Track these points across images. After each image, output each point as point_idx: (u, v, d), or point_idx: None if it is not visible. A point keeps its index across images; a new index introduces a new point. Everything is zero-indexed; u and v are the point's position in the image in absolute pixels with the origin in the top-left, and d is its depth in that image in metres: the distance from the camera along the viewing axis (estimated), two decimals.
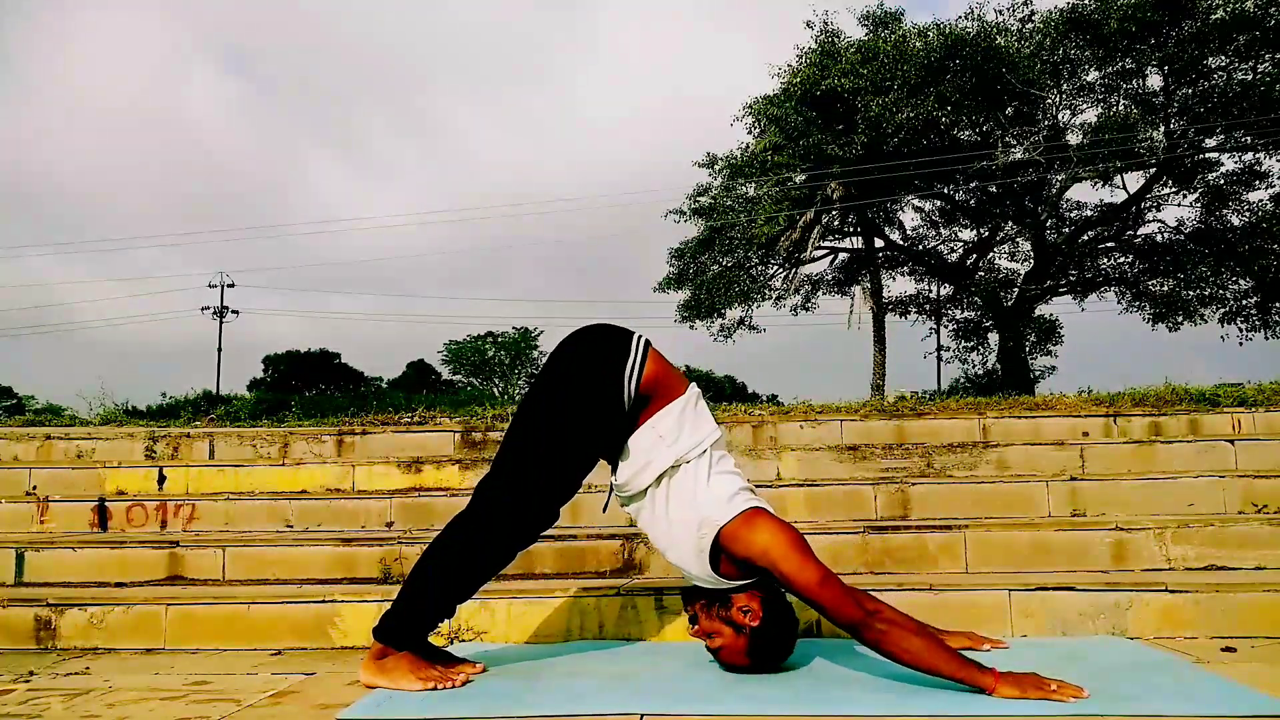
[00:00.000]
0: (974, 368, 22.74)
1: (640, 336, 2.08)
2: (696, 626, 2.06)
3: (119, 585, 3.08)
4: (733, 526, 1.93)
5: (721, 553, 1.95)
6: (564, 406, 2.02)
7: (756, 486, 3.57)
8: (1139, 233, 19.69)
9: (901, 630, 1.82)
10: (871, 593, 2.37)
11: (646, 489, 2.02)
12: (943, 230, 22.13)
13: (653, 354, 2.06)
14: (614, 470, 2.09)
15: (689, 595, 2.08)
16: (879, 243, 22.01)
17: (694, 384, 2.14)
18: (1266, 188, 18.11)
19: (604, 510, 2.27)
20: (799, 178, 19.65)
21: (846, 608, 1.84)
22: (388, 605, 2.55)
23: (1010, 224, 20.36)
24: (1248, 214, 18.26)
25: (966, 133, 18.61)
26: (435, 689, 1.95)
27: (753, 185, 20.43)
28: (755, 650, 2.00)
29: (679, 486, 2.00)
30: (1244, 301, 18.37)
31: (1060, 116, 18.43)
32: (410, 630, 2.05)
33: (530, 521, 2.06)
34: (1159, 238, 19.39)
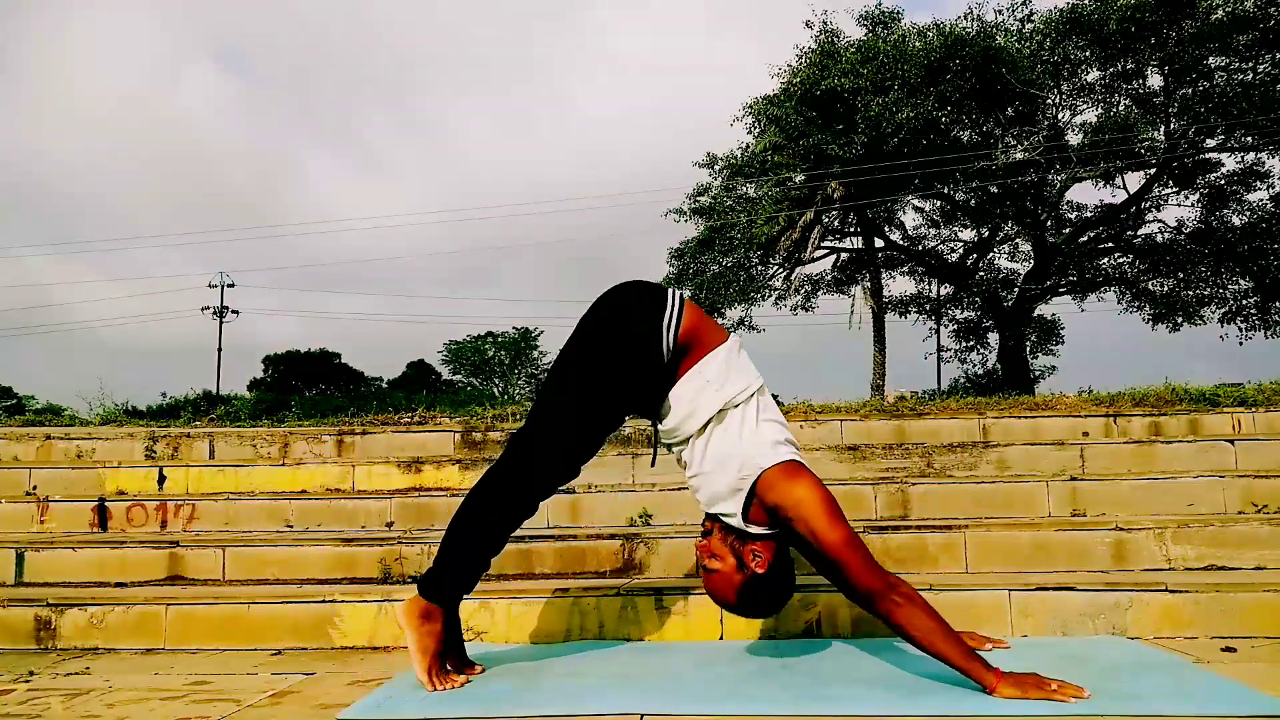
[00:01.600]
0: (974, 368, 22.75)
1: (676, 290, 2.10)
2: (705, 541, 2.06)
3: (119, 585, 3.08)
4: (773, 473, 1.94)
5: (755, 497, 1.96)
6: (602, 360, 2.03)
7: None
8: (1139, 233, 19.69)
9: (916, 608, 1.82)
10: None
11: (697, 431, 2.02)
12: (943, 230, 22.15)
13: (689, 305, 2.07)
14: (658, 420, 2.10)
15: (711, 514, 2.09)
16: (879, 243, 22.02)
17: (735, 334, 2.16)
18: (1267, 188, 18.13)
19: (652, 465, 2.32)
20: (799, 178, 19.65)
21: (867, 574, 1.84)
22: (388, 605, 2.56)
23: (1010, 224, 20.36)
24: (1248, 214, 18.26)
25: (966, 133, 18.61)
26: (435, 689, 1.95)
27: (753, 185, 20.44)
28: (746, 592, 2.00)
29: (726, 429, 2.00)
30: (1244, 301, 18.37)
31: (1060, 117, 18.43)
32: (451, 585, 2.05)
33: (553, 475, 2.08)
34: (1159, 238, 19.39)
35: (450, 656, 2.06)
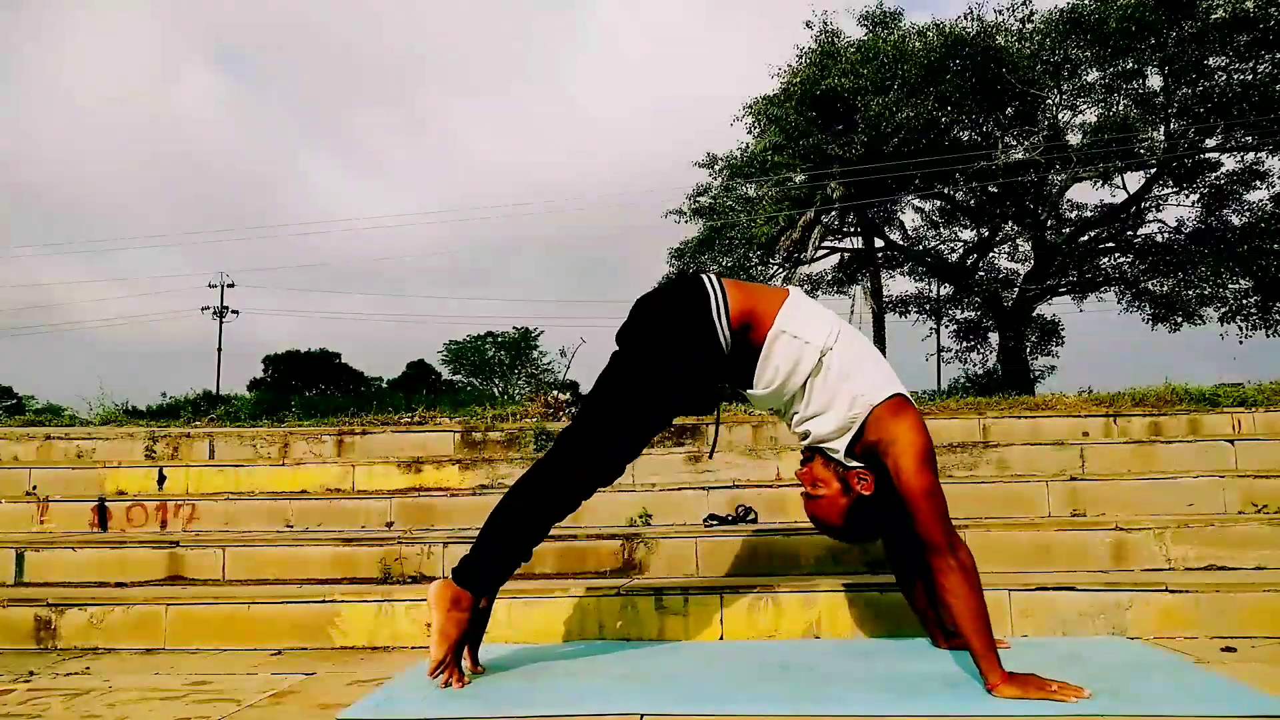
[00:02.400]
0: (974, 368, 22.71)
1: (710, 275, 2.10)
2: (805, 468, 2.08)
3: (119, 585, 3.08)
4: (881, 409, 1.96)
5: (862, 433, 1.98)
6: (660, 366, 2.04)
7: (757, 487, 3.59)
8: (1139, 233, 19.69)
9: (964, 579, 1.83)
10: (874, 592, 2.37)
11: (800, 386, 2.03)
12: (943, 230, 22.14)
13: (731, 285, 2.08)
14: (748, 387, 2.10)
15: (809, 452, 2.10)
16: (879, 243, 22.03)
17: (792, 287, 2.17)
18: (1266, 188, 18.13)
19: (710, 456, 2.32)
20: (799, 178, 19.65)
21: (936, 527, 1.86)
22: (388, 605, 2.56)
23: (1010, 224, 20.36)
24: (1248, 214, 18.26)
25: (966, 133, 18.61)
26: (437, 678, 1.97)
27: (753, 185, 20.44)
28: (853, 515, 2.03)
29: (827, 373, 2.00)
30: (1244, 301, 18.36)
31: (1060, 116, 18.42)
32: (485, 574, 2.05)
33: (601, 475, 2.10)
34: (1159, 238, 19.39)
35: (468, 649, 2.06)
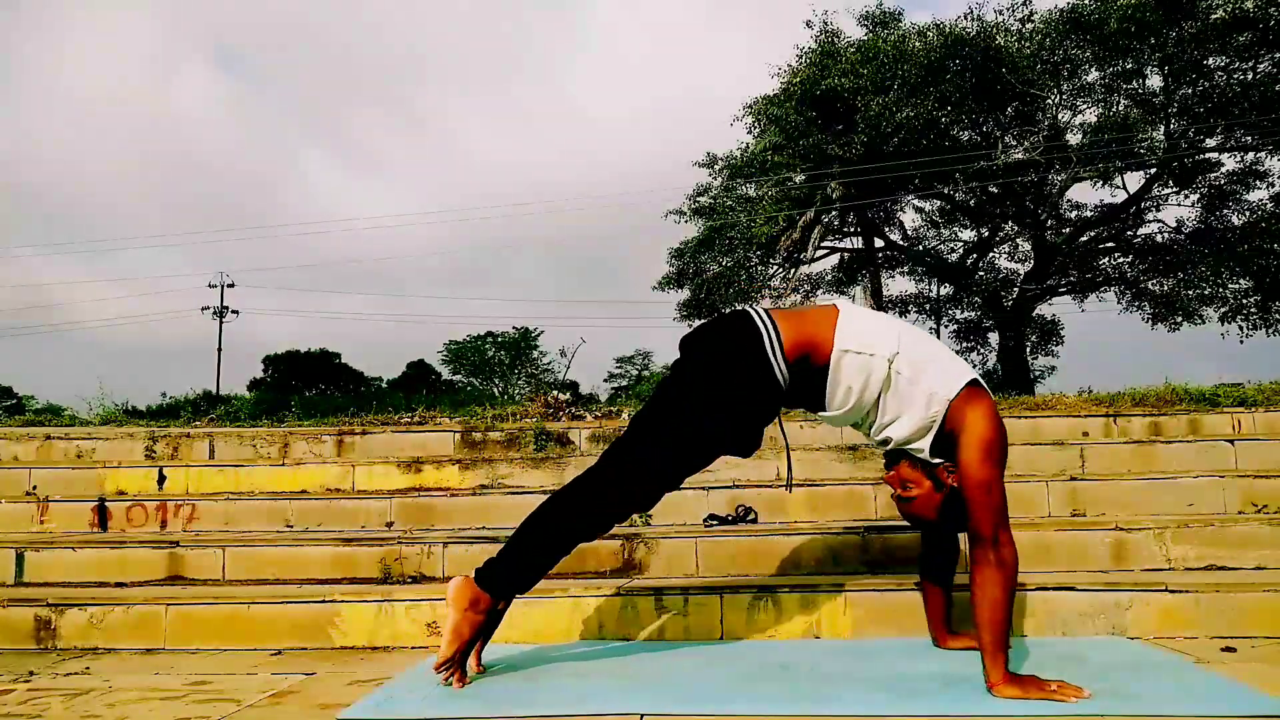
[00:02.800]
0: (974, 368, 22.71)
1: (757, 310, 2.09)
2: (893, 472, 2.08)
3: (119, 585, 3.08)
4: (958, 400, 1.96)
5: (943, 428, 1.98)
6: (719, 408, 2.02)
7: (757, 487, 3.59)
8: (1139, 233, 19.68)
9: (998, 576, 1.83)
10: (874, 592, 2.37)
11: (875, 398, 2.02)
12: (943, 230, 22.11)
13: (780, 316, 2.06)
14: (822, 409, 2.08)
15: (893, 455, 2.10)
16: (879, 243, 22.01)
17: (839, 300, 2.17)
18: (1266, 187, 18.11)
19: (789, 489, 2.40)
20: (799, 178, 19.64)
21: (986, 520, 1.86)
22: (388, 605, 2.56)
23: (1010, 224, 20.34)
24: (1248, 214, 18.25)
25: (966, 133, 18.59)
26: (442, 676, 1.97)
27: (753, 185, 20.42)
28: (948, 507, 2.03)
29: (898, 380, 1.99)
30: (1244, 301, 18.35)
31: (1060, 116, 18.41)
32: (509, 580, 2.05)
33: (639, 504, 2.10)
34: (1159, 238, 19.38)
35: (476, 652, 2.06)
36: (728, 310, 2.16)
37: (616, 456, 2.08)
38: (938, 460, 2.01)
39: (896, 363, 1.99)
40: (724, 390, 2.02)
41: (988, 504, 1.87)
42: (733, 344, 2.04)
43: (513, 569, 2.05)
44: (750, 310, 2.09)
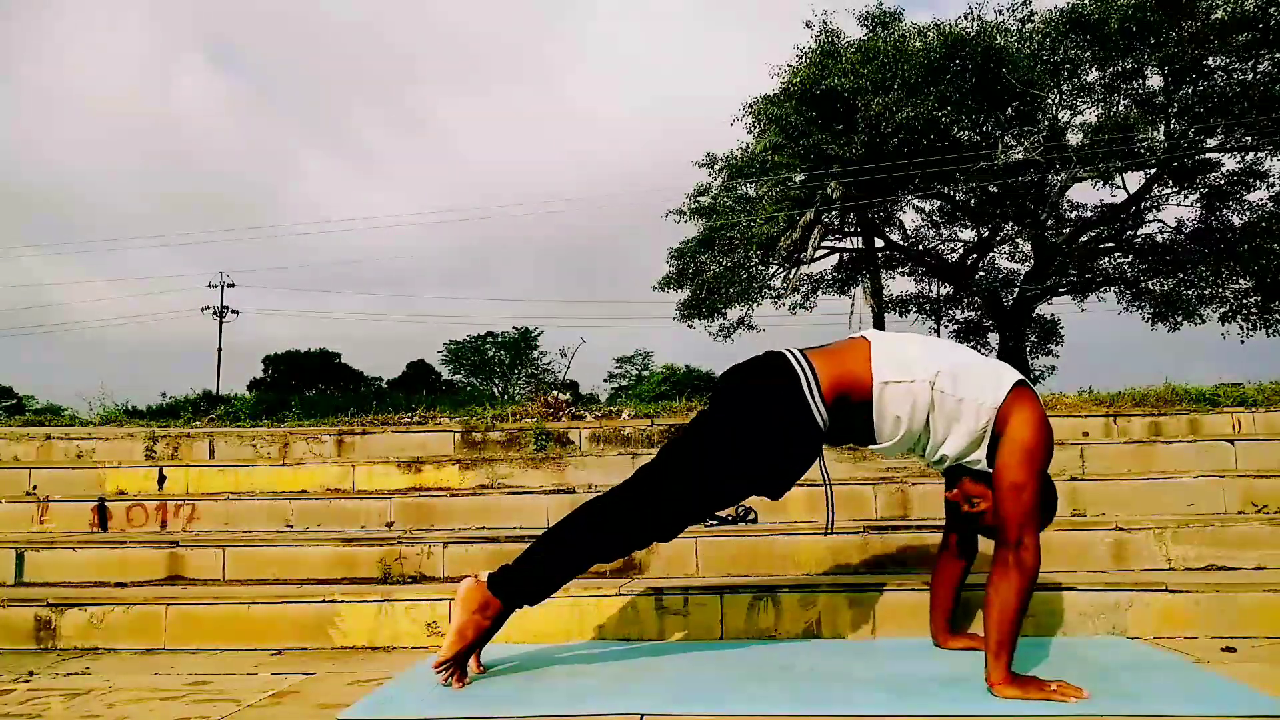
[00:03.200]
0: None
1: (794, 353, 2.05)
2: (956, 490, 2.06)
3: (119, 585, 3.08)
4: (1005, 406, 1.95)
5: (996, 436, 1.97)
6: (761, 453, 2.00)
7: None
8: (1139, 233, 19.69)
9: (1016, 578, 1.82)
10: (874, 592, 2.37)
11: (924, 422, 2.00)
12: (943, 230, 22.12)
13: (816, 357, 2.04)
14: (872, 443, 2.06)
15: (952, 473, 2.08)
16: (879, 243, 22.01)
17: (866, 330, 2.15)
18: (1267, 188, 18.12)
19: (828, 531, 2.30)
20: (799, 178, 19.64)
21: (1012, 522, 1.85)
22: (387, 605, 2.56)
23: (1010, 224, 20.34)
24: (1248, 214, 18.25)
25: (966, 133, 18.59)
26: (441, 677, 1.97)
27: (753, 185, 20.42)
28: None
29: (943, 399, 1.98)
30: (1244, 301, 18.36)
31: (1060, 116, 18.41)
32: (520, 589, 2.04)
33: (660, 535, 2.09)
34: (1159, 238, 19.39)
35: (476, 654, 2.06)
36: (764, 352, 2.12)
37: (645, 485, 2.05)
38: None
39: (938, 382, 1.97)
40: (761, 435, 1.99)
41: (1016, 507, 1.86)
42: (770, 387, 2.01)
43: (527, 579, 2.04)
44: (787, 352, 2.05)
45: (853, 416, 2.01)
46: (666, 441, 2.16)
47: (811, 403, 1.97)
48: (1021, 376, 2.01)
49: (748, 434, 2.00)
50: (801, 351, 2.06)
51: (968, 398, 1.96)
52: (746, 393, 2.05)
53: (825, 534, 2.21)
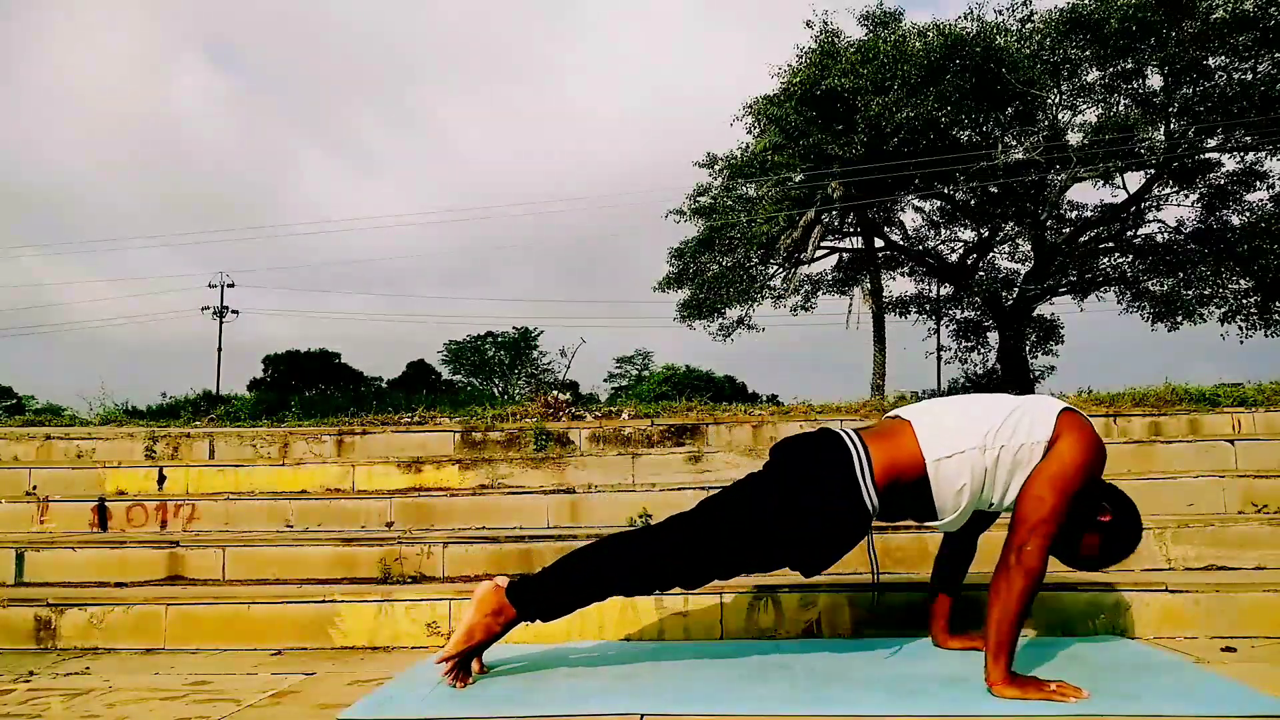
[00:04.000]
0: (974, 368, 22.73)
1: (848, 432, 2.03)
2: None
3: (119, 585, 3.08)
4: (1055, 432, 1.94)
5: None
6: (799, 540, 1.98)
7: None
8: (1139, 233, 19.70)
9: (1020, 580, 1.81)
10: (871, 592, 2.37)
11: (983, 481, 1.98)
12: (943, 230, 22.13)
13: (870, 439, 2.01)
14: (935, 519, 2.04)
15: None
16: (879, 243, 22.01)
17: (898, 410, 2.11)
18: (1267, 188, 18.12)
19: (874, 603, 2.21)
20: (799, 178, 19.65)
21: (1024, 528, 1.85)
22: (387, 605, 2.56)
23: (1010, 224, 20.35)
24: (1248, 214, 18.26)
25: (966, 133, 18.60)
26: (441, 677, 1.98)
27: (753, 185, 20.43)
28: (1110, 544, 2.00)
29: (1003, 449, 1.95)
30: (1244, 301, 18.37)
31: (1060, 116, 18.41)
32: (538, 603, 2.04)
33: (682, 579, 2.06)
34: (1159, 238, 19.40)
35: (480, 655, 2.06)
36: (820, 429, 2.10)
37: (682, 534, 2.03)
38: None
39: (990, 443, 1.95)
40: (806, 511, 1.97)
41: (1033, 514, 1.86)
42: (823, 466, 1.98)
43: (546, 597, 2.04)
44: (842, 433, 2.03)
45: (906, 498, 2.00)
46: (709, 497, 2.14)
47: (863, 486, 1.95)
48: (1067, 404, 2.01)
49: (793, 508, 1.97)
50: (857, 433, 2.04)
51: (1024, 443, 1.94)
52: (799, 467, 2.03)
53: (874, 601, 2.15)
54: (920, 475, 1.97)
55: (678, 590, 2.13)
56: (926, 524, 2.07)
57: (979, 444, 1.95)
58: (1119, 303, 20.09)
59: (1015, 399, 2.07)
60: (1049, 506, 1.86)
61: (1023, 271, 20.70)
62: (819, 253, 21.13)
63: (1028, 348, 21.07)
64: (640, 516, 3.52)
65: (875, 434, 2.04)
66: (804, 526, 1.97)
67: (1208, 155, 18.01)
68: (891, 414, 2.13)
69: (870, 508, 1.95)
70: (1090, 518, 1.97)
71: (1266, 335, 18.25)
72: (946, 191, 19.90)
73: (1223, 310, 18.65)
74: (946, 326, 23.40)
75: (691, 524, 2.04)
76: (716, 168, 21.26)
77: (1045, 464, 1.91)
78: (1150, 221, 19.57)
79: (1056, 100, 18.15)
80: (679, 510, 3.50)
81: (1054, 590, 2.42)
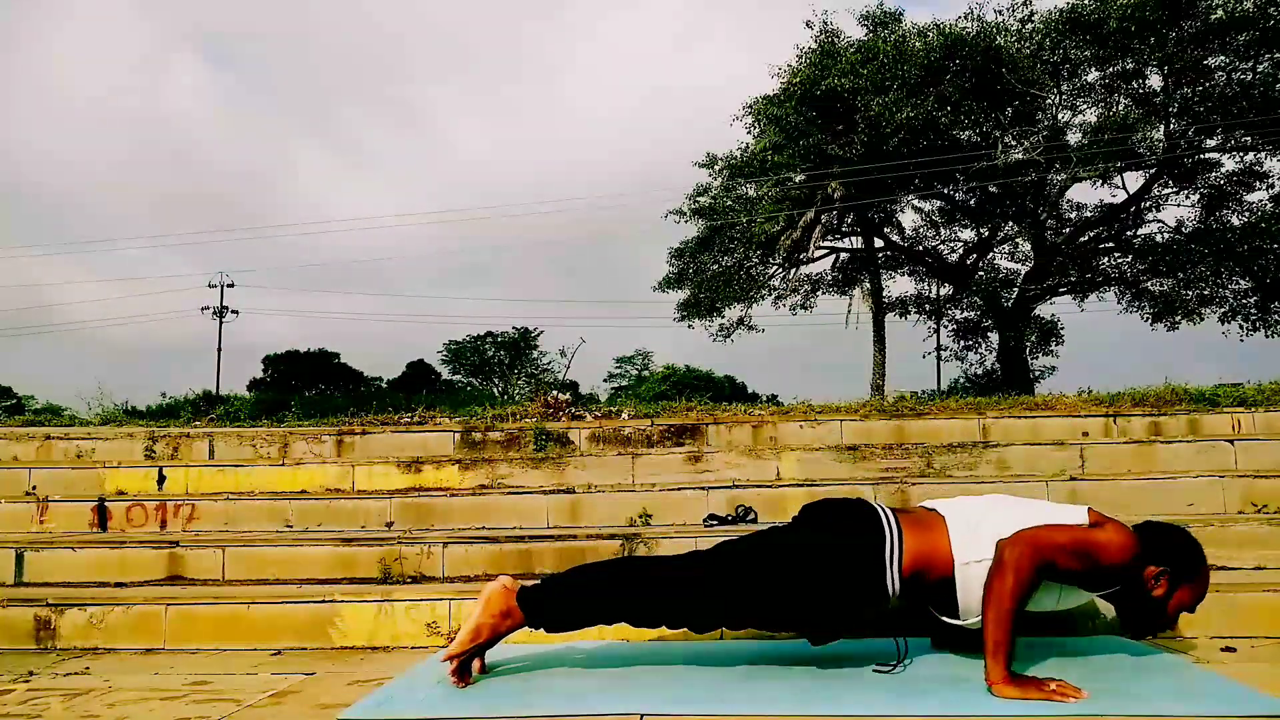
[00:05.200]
0: (974, 368, 22.73)
1: (887, 512, 2.01)
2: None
3: (119, 585, 3.08)
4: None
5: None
6: (814, 608, 1.98)
7: (757, 487, 3.59)
8: (1139, 233, 19.69)
9: (1012, 579, 1.82)
10: None
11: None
12: (943, 230, 22.12)
13: (905, 523, 1.99)
14: (949, 616, 2.03)
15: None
16: (879, 243, 22.01)
17: (937, 504, 2.09)
18: (1266, 188, 18.12)
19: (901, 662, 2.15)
20: (799, 178, 19.65)
21: (1016, 540, 1.87)
22: (387, 605, 2.56)
23: (1010, 224, 20.35)
24: (1247, 214, 18.25)
25: (966, 133, 18.59)
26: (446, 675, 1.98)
27: (753, 185, 20.43)
28: (1181, 594, 2.00)
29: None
30: (1243, 301, 18.37)
31: (1060, 116, 18.42)
32: (549, 612, 2.03)
33: (695, 623, 2.06)
34: (1159, 238, 19.39)
35: (482, 655, 2.06)
36: (857, 499, 2.08)
37: (698, 581, 2.01)
38: (1128, 575, 1.96)
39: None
40: (825, 580, 1.95)
41: (1037, 532, 1.88)
42: (853, 535, 1.97)
43: (558, 613, 2.03)
44: (879, 509, 2.01)
45: (929, 592, 1.99)
46: (728, 543, 2.12)
47: (889, 569, 1.94)
48: (1088, 507, 2.03)
49: (814, 574, 1.95)
50: (894, 513, 2.02)
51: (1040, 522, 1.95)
52: (829, 533, 2.00)
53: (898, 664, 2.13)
54: (948, 575, 1.96)
55: (683, 629, 2.13)
56: (945, 618, 2.04)
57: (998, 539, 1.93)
58: (1119, 303, 20.09)
59: (1050, 507, 2.07)
60: (1056, 536, 1.88)
61: (1023, 271, 20.70)
62: (819, 253, 21.13)
63: (1027, 347, 21.07)
64: (640, 516, 3.52)
65: (912, 521, 2.02)
66: (819, 595, 1.95)
67: (1207, 155, 18.01)
68: (929, 505, 2.11)
69: (890, 592, 1.94)
70: (1154, 591, 1.99)
71: (1266, 335, 18.25)
72: (946, 191, 19.90)
73: (1222, 310, 18.65)
74: (946, 326, 23.39)
75: (710, 572, 2.01)
76: (716, 168, 21.26)
77: (1089, 530, 1.93)
78: (1150, 221, 19.57)
79: (1056, 100, 18.16)
80: (678, 510, 3.53)
81: None
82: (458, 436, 4.68)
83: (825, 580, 1.95)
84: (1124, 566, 1.94)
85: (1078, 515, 2.00)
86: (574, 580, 2.07)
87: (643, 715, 1.73)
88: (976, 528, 1.99)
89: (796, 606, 1.98)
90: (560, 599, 2.04)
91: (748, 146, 20.68)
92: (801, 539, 2.03)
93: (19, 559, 3.18)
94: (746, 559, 2.01)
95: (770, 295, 21.88)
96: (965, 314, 22.79)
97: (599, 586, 2.04)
